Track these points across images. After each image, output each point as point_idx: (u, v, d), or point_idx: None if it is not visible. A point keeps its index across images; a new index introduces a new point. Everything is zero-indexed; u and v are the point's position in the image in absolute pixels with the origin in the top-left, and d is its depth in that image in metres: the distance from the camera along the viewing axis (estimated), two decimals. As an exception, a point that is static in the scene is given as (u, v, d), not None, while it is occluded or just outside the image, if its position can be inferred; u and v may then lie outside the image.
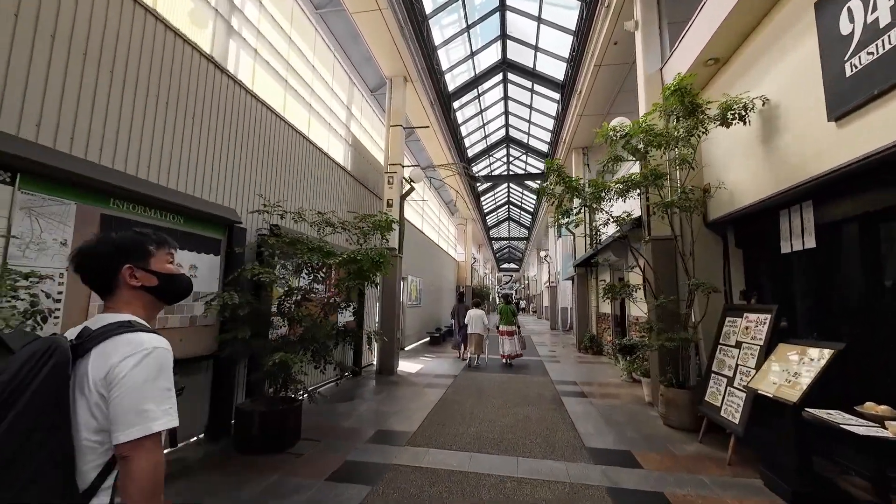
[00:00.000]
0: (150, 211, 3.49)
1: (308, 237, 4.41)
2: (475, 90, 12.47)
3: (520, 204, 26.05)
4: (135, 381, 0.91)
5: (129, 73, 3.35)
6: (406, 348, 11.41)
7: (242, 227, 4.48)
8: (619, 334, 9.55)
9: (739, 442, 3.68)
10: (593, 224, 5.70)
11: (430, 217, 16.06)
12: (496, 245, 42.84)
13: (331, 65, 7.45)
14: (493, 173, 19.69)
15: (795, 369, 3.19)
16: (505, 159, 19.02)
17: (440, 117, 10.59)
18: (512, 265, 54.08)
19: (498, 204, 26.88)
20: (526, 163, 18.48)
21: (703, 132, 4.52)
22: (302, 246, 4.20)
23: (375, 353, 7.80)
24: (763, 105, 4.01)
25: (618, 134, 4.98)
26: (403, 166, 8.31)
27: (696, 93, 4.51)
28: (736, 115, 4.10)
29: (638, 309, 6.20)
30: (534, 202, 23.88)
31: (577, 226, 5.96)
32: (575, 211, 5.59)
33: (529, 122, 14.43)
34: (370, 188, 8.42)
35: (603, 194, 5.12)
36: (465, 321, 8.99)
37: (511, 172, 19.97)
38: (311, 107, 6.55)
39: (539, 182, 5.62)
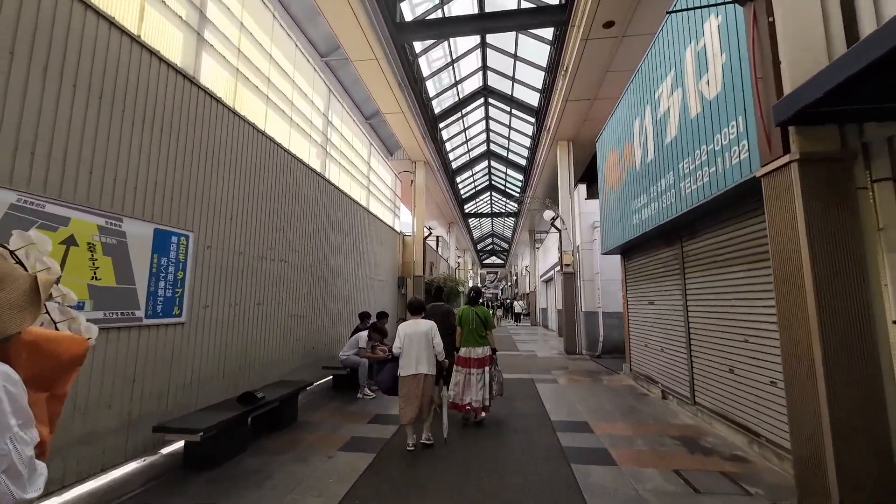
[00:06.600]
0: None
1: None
2: None
3: (505, 153, 16.89)
4: None
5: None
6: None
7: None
8: None
9: None
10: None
11: (285, 92, 6.64)
12: (476, 233, 33.52)
13: None
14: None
15: None
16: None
17: None
18: (497, 259, 44.71)
19: (473, 154, 17.69)
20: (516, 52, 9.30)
21: None
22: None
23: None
24: None
25: None
26: None
27: None
28: None
29: None
30: (527, 147, 14.82)
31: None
32: None
33: None
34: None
35: None
36: (397, 348, 3.85)
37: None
38: None
39: None
